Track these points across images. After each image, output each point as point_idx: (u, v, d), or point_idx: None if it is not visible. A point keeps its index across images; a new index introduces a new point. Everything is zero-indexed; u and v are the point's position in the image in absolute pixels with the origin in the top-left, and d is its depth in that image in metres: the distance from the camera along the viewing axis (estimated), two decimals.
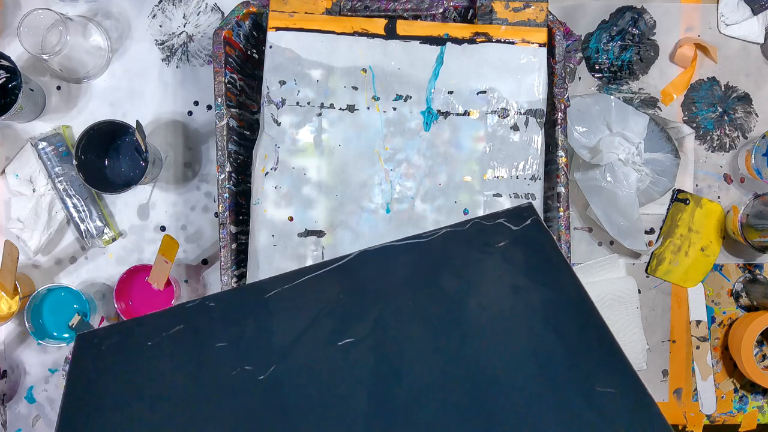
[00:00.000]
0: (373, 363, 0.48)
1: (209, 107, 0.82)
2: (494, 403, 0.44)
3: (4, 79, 0.78)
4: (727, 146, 0.83)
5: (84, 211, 0.79)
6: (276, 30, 0.68)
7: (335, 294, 0.53)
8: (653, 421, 0.42)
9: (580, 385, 0.44)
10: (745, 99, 0.83)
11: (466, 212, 0.67)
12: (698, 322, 0.83)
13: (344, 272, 0.54)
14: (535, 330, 0.48)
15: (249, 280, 0.67)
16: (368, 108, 0.68)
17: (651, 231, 0.83)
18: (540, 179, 0.68)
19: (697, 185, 0.83)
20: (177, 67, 0.82)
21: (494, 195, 0.67)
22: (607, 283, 0.81)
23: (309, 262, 0.66)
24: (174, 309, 0.54)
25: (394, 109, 0.68)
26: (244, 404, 0.47)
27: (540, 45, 0.68)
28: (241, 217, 0.71)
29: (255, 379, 0.48)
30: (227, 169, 0.69)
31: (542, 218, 0.68)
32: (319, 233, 0.67)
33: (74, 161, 0.74)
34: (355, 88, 0.67)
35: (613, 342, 0.46)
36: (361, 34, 0.68)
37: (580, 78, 0.83)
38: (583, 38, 0.83)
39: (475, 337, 0.48)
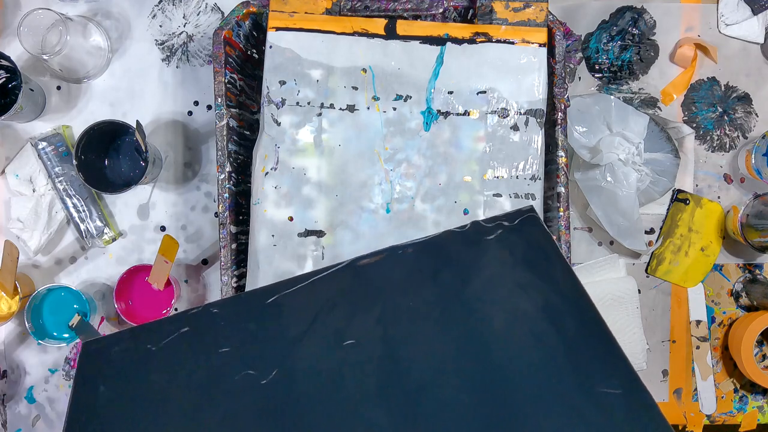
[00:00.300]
0: (378, 361, 0.48)
1: (209, 107, 0.82)
2: (498, 395, 0.45)
3: (4, 79, 0.78)
4: (727, 146, 0.83)
5: (84, 211, 0.79)
6: (276, 30, 0.68)
7: (336, 297, 0.53)
8: (652, 418, 0.42)
9: (580, 384, 0.44)
10: (745, 99, 0.83)
11: (466, 212, 0.67)
12: (698, 322, 0.83)
13: (344, 276, 0.54)
14: (535, 322, 0.48)
15: (249, 280, 0.67)
16: (368, 108, 0.68)
17: (651, 231, 0.83)
18: (540, 179, 0.68)
19: (697, 185, 0.83)
20: (177, 67, 0.82)
21: (494, 195, 0.67)
22: (607, 283, 0.81)
23: (309, 262, 0.66)
24: (178, 315, 0.55)
25: (394, 109, 0.68)
26: (247, 408, 0.48)
27: (540, 45, 0.68)
28: (241, 217, 0.71)
29: (258, 383, 0.49)
30: (227, 169, 0.69)
31: (542, 218, 0.68)
32: (319, 233, 0.67)
33: (74, 161, 0.74)
34: (355, 88, 0.67)
35: (611, 337, 0.47)
36: (361, 34, 0.68)
37: (580, 78, 0.83)
38: (583, 38, 0.83)
39: (476, 329, 0.49)
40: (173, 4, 0.82)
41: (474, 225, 0.56)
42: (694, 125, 0.83)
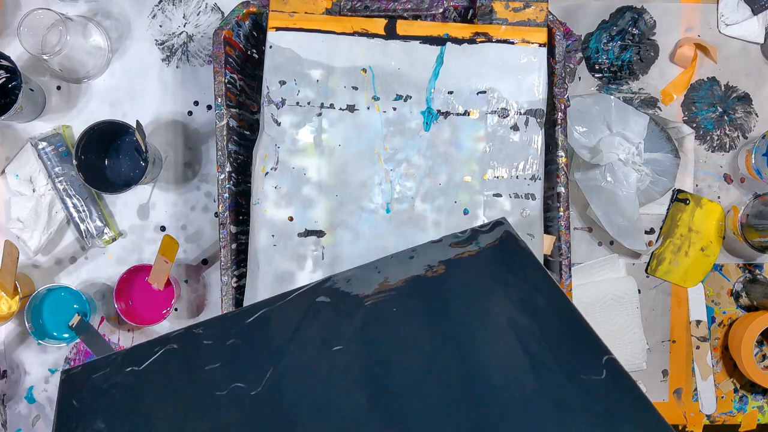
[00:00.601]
0: (366, 366, 0.49)
1: (209, 107, 0.82)
2: (483, 393, 0.46)
3: (4, 79, 0.78)
4: (727, 146, 0.83)
5: (84, 211, 0.79)
6: (276, 30, 0.68)
7: (319, 306, 0.53)
8: (635, 397, 0.43)
9: (564, 374, 0.46)
10: (745, 99, 0.83)
11: (466, 212, 0.67)
12: (698, 322, 0.83)
13: (325, 291, 0.55)
14: (513, 318, 0.50)
15: (249, 280, 0.67)
16: (368, 108, 0.68)
17: (651, 231, 0.83)
18: (540, 179, 0.68)
19: (697, 185, 0.83)
20: (177, 67, 0.82)
21: (494, 195, 0.67)
22: (607, 283, 0.81)
23: (309, 262, 0.66)
24: (161, 337, 0.54)
25: (394, 109, 0.68)
26: (238, 421, 0.48)
27: (540, 45, 0.68)
28: (241, 217, 0.71)
29: (248, 394, 0.49)
30: (227, 169, 0.69)
31: (542, 218, 0.68)
32: (319, 233, 0.67)
33: (74, 161, 0.74)
34: (355, 88, 0.67)
35: (586, 325, 0.48)
36: (361, 34, 0.68)
37: (580, 78, 0.83)
38: (583, 38, 0.83)
39: (458, 329, 0.50)
40: (173, 4, 0.82)
41: (448, 237, 0.58)
42: (694, 125, 0.83)
